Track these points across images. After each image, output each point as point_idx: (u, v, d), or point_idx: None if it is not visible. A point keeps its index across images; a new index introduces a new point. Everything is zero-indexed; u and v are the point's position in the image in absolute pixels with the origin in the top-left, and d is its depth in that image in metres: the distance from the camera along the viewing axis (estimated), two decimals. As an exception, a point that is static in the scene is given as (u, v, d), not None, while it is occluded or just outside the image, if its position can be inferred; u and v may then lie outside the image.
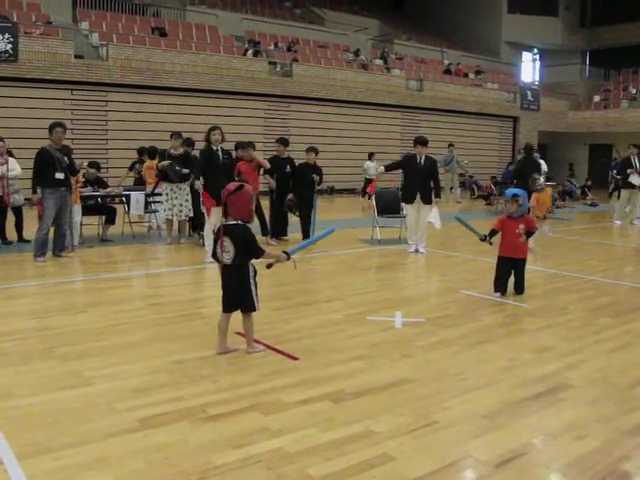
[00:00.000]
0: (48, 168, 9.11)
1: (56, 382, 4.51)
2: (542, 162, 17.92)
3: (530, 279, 7.81)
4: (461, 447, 3.64)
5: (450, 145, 21.56)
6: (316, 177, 11.14)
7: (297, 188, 11.18)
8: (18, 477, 3.21)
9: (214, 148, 9.46)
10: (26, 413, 3.98)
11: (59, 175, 9.16)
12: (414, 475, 3.30)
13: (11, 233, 10.67)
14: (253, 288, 5.02)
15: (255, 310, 5.07)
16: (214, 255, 5.10)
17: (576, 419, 4.04)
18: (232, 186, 5.03)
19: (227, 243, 4.89)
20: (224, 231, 4.95)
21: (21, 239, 10.66)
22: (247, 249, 4.94)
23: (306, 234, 11.10)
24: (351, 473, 3.31)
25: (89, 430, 3.75)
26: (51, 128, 9.34)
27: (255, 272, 5.08)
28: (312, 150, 11.47)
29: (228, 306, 5.07)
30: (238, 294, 5.02)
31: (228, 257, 4.92)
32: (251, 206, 5.19)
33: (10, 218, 10.63)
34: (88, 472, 3.28)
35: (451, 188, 21.18)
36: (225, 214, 5.03)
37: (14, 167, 10.28)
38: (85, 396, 4.26)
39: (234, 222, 4.96)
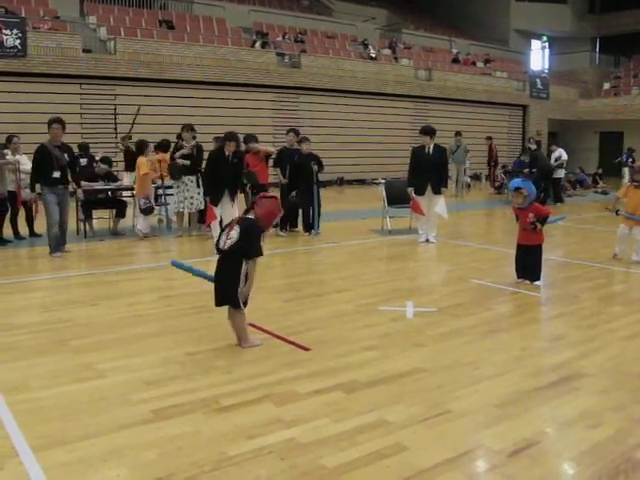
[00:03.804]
0: (45, 166, 9.00)
1: (69, 375, 4.53)
2: (562, 151, 17.83)
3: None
4: (474, 436, 3.63)
5: (457, 134, 20.21)
6: (315, 166, 10.99)
7: (296, 180, 11.11)
8: (33, 469, 3.23)
9: (226, 152, 9.47)
10: (40, 406, 4.00)
11: (55, 174, 9.02)
12: (427, 464, 3.30)
13: (22, 228, 10.72)
14: (240, 285, 4.90)
15: (238, 308, 4.95)
16: (216, 244, 5.07)
17: (589, 408, 4.02)
18: (269, 194, 5.25)
19: (234, 231, 4.89)
20: (238, 221, 4.97)
21: (32, 233, 10.70)
22: (248, 243, 4.87)
23: (307, 226, 11.11)
24: (364, 463, 3.32)
25: (103, 422, 3.76)
26: (49, 124, 9.15)
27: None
28: (306, 139, 11.42)
29: (217, 300, 5.01)
30: (224, 288, 4.94)
31: (229, 243, 4.88)
32: (274, 218, 5.22)
33: (21, 214, 10.68)
34: (102, 463, 3.30)
35: (457, 181, 19.79)
36: (248, 208, 5.07)
37: (25, 162, 10.31)
38: (98, 388, 4.28)
39: (251, 217, 4.98)
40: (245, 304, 5.00)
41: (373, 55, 26.50)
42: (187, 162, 10.66)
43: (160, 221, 12.50)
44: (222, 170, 9.45)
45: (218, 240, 5.06)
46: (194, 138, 11.03)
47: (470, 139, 22.18)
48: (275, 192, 11.25)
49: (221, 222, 9.24)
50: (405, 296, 6.87)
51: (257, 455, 3.39)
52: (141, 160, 10.95)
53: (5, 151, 10.07)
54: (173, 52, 20.54)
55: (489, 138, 22.36)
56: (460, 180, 19.75)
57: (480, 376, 4.56)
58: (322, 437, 3.60)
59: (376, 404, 4.04)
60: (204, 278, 5.22)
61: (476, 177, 24.45)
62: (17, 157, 10.21)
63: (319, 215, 11.23)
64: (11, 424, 3.72)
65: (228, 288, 4.92)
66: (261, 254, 4.95)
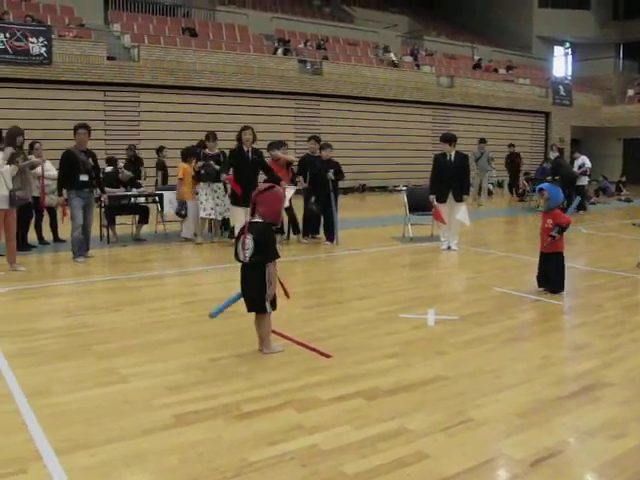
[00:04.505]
0: (73, 170, 9.18)
1: (92, 379, 4.57)
2: (585, 158, 17.66)
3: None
4: (495, 445, 3.61)
5: (481, 141, 19.95)
6: (330, 174, 10.88)
7: (316, 187, 10.98)
8: (57, 472, 3.27)
9: (245, 149, 9.51)
10: (64, 410, 4.04)
11: (83, 177, 9.23)
12: (448, 473, 3.29)
13: (48, 234, 10.84)
14: (267, 290, 4.94)
15: (266, 312, 5.01)
16: (235, 254, 5.06)
17: (612, 418, 3.98)
18: (263, 186, 5.05)
19: (249, 240, 4.88)
20: (248, 228, 4.95)
21: (57, 239, 10.83)
22: (264, 249, 4.88)
23: (328, 234, 11.07)
24: (385, 471, 3.31)
25: (125, 426, 3.79)
26: (75, 130, 9.42)
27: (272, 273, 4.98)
28: (327, 146, 11.31)
29: (248, 307, 5.07)
30: (251, 294, 4.99)
31: (247, 255, 4.90)
32: (280, 207, 5.18)
33: (45, 219, 10.81)
34: (125, 468, 3.32)
35: (480, 189, 19.56)
36: (252, 212, 5.02)
37: (50, 168, 10.46)
38: (121, 393, 4.32)
39: (259, 220, 4.96)
40: (274, 306, 5.05)
41: (394, 61, 26.48)
42: (217, 167, 10.71)
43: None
44: (242, 169, 9.47)
45: (235, 249, 5.04)
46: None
47: (492, 146, 22.07)
48: (299, 200, 11.39)
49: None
50: (426, 304, 6.86)
51: (279, 461, 3.39)
52: (181, 165, 11.23)
53: (30, 157, 10.20)
54: (196, 59, 20.70)
55: (511, 145, 22.21)
56: (483, 187, 19.57)
57: (502, 384, 4.54)
58: (343, 444, 3.59)
59: (397, 412, 4.03)
60: (237, 299, 5.20)
61: (498, 184, 24.31)
62: (46, 164, 10.38)
63: (334, 224, 11.02)
64: (35, 427, 3.76)
65: (256, 295, 4.96)
66: (278, 256, 4.99)
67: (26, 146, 10.61)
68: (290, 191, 10.48)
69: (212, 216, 11.05)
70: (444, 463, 3.39)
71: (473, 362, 5.00)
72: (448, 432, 3.75)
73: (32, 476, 3.25)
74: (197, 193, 11.06)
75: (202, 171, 10.76)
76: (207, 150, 11.07)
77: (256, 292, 4.96)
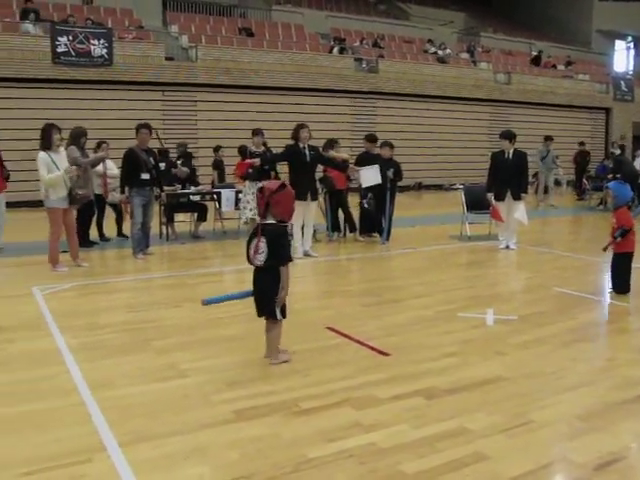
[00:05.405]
0: (135, 169, 9.38)
1: (153, 374, 4.66)
2: None
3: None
4: (557, 448, 3.54)
5: (547, 138, 18.66)
6: (390, 174, 10.69)
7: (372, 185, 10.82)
8: (120, 463, 3.35)
9: (300, 145, 9.52)
10: (126, 403, 4.13)
11: (145, 175, 9.41)
12: (508, 475, 3.24)
13: (110, 230, 11.09)
14: (279, 294, 4.77)
15: (275, 318, 4.83)
16: (247, 257, 4.86)
17: (682, 422, 3.86)
18: (274, 185, 4.84)
19: (262, 244, 4.71)
20: (261, 231, 4.76)
21: (120, 234, 11.06)
22: (277, 252, 4.72)
23: (380, 231, 10.99)
24: (444, 471, 3.28)
25: (185, 421, 3.85)
26: (137, 129, 9.65)
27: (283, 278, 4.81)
28: (385, 145, 11.15)
29: (258, 312, 4.91)
30: (262, 299, 4.83)
31: (261, 259, 4.73)
32: (292, 205, 5.01)
33: (109, 215, 11.09)
34: (185, 461, 3.38)
35: (545, 188, 18.66)
36: (264, 213, 4.82)
37: (112, 167, 10.70)
38: (181, 387, 4.39)
39: (271, 221, 4.78)
40: (284, 314, 4.87)
41: (442, 56, 26.16)
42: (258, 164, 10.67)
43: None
44: (298, 165, 9.47)
45: (247, 252, 4.85)
46: (264, 144, 11.12)
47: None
48: (354, 197, 11.37)
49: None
50: (485, 303, 6.77)
51: (337, 459, 3.39)
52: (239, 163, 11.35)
53: (103, 153, 10.45)
54: (252, 59, 20.85)
55: (582, 144, 21.58)
56: (549, 186, 18.78)
57: (563, 386, 4.45)
58: (401, 443, 3.58)
59: (456, 411, 3.99)
60: (245, 297, 5.04)
61: (557, 183, 23.79)
62: (108, 162, 10.64)
63: (390, 223, 10.91)
64: (99, 419, 3.86)
65: (267, 300, 4.80)
66: (291, 260, 4.84)
67: (90, 145, 10.89)
68: (371, 171, 10.38)
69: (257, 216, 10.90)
70: (504, 465, 3.34)
71: (533, 363, 4.92)
72: (508, 433, 3.70)
73: (97, 466, 3.33)
74: (240, 191, 11.04)
75: (249, 170, 10.66)
76: (253, 147, 11.06)
77: (266, 295, 4.80)
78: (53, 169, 8.30)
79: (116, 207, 11.08)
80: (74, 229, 8.88)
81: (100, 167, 10.42)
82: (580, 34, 35.17)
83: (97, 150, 10.77)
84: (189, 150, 14.27)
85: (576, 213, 17.01)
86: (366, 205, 10.96)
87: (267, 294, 4.78)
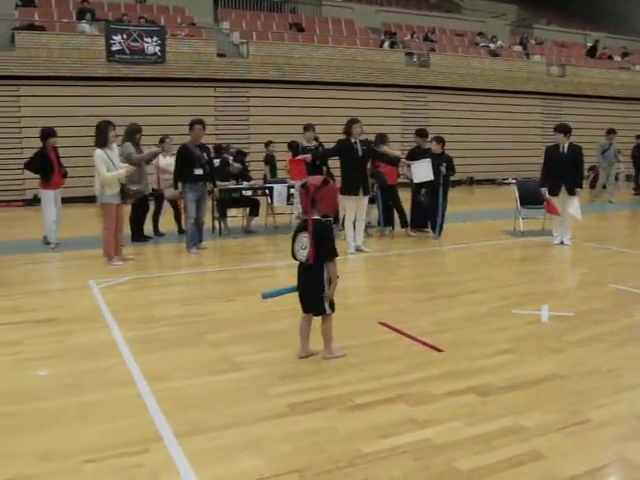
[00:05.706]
0: (189, 164, 9.47)
1: (208, 366, 4.71)
2: None
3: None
4: (615, 448, 3.46)
5: (609, 132, 17.85)
6: (443, 169, 10.54)
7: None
8: (177, 453, 3.40)
9: (352, 140, 9.48)
10: (181, 395, 4.18)
11: (198, 171, 9.50)
12: (565, 475, 3.18)
13: (168, 225, 11.21)
14: (326, 290, 4.74)
15: (324, 313, 4.80)
16: (292, 253, 4.84)
17: None
18: (317, 181, 4.78)
19: (306, 239, 4.69)
20: (306, 227, 4.73)
21: (181, 231, 11.01)
22: (323, 247, 4.67)
23: (433, 226, 10.89)
24: (500, 468, 3.24)
25: (240, 413, 3.88)
26: (191, 125, 9.75)
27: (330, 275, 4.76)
28: (436, 140, 10.99)
29: (304, 307, 4.89)
30: (309, 296, 4.81)
31: (305, 254, 4.70)
32: (336, 200, 5.00)
33: (168, 210, 11.27)
34: (241, 453, 3.41)
35: (607, 181, 17.92)
36: (310, 209, 4.74)
37: (170, 163, 10.81)
38: (236, 380, 4.42)
39: (316, 217, 4.75)
40: (333, 307, 4.85)
41: (494, 49, 25.74)
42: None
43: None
44: (349, 159, 9.44)
45: (292, 249, 4.83)
46: (316, 139, 11.09)
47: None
48: (406, 192, 11.29)
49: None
50: (540, 299, 6.64)
51: (391, 454, 3.38)
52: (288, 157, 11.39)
53: (158, 149, 10.59)
54: (303, 54, 20.91)
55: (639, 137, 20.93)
56: (610, 181, 18.00)
57: (622, 385, 4.34)
58: (456, 439, 3.55)
59: (512, 409, 3.93)
60: (291, 292, 5.01)
61: (615, 178, 23.17)
62: (168, 158, 10.80)
63: (442, 218, 10.81)
64: (155, 411, 3.92)
65: (314, 295, 4.78)
66: (337, 255, 4.79)
67: (147, 141, 11.03)
68: (423, 165, 10.30)
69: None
70: (560, 464, 3.28)
71: (590, 361, 4.82)
72: (565, 432, 3.63)
73: (154, 456, 3.39)
74: (292, 186, 11.05)
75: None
76: (305, 142, 11.05)
77: (313, 292, 4.77)
78: (110, 166, 8.46)
79: (173, 204, 11.20)
80: (123, 224, 9.03)
81: (154, 162, 10.56)
82: (637, 24, 34.22)
83: (160, 145, 10.92)
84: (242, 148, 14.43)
85: (633, 208, 16.56)
86: (422, 198, 10.87)
87: (311, 290, 4.78)
